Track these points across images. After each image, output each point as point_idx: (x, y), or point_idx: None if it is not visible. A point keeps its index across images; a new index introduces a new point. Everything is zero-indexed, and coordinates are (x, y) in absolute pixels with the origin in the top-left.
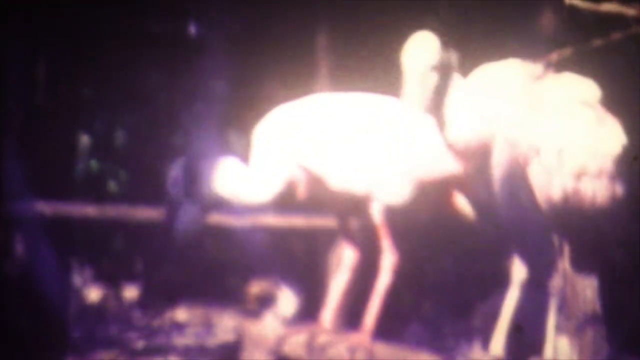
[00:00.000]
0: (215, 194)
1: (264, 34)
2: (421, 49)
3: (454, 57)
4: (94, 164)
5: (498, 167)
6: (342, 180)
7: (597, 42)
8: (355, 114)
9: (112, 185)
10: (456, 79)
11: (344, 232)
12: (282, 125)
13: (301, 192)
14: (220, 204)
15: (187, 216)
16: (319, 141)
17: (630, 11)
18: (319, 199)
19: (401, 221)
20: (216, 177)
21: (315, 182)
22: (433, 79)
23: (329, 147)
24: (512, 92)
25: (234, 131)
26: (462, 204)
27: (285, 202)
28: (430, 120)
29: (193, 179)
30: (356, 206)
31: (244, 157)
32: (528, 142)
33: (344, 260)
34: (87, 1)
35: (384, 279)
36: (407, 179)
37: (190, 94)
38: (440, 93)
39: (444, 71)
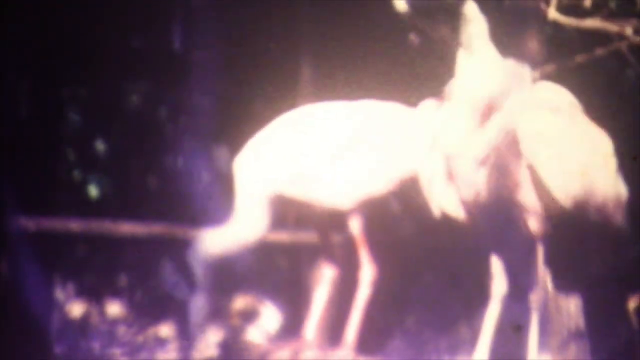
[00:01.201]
0: (216, 272)
1: (249, 48)
2: None
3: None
4: (76, 175)
5: (481, 176)
6: (326, 198)
7: (580, 58)
8: (333, 126)
9: (93, 192)
10: None
11: (325, 247)
12: (255, 157)
13: (291, 218)
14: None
15: (199, 307)
16: (298, 164)
17: (612, 27)
18: (304, 218)
19: (383, 235)
20: (206, 254)
21: (300, 207)
22: None
23: (309, 168)
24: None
25: (220, 146)
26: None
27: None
28: (414, 123)
29: (191, 274)
30: (337, 221)
31: (231, 172)
32: (528, 138)
33: (324, 275)
34: (72, 16)
35: (363, 293)
36: (387, 188)
37: (176, 108)
38: None
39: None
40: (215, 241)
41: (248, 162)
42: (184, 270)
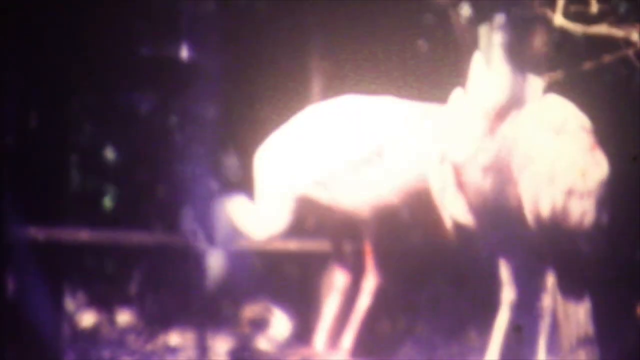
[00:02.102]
0: (234, 234)
1: (256, 56)
2: None
3: None
4: (86, 184)
5: (488, 182)
6: (348, 203)
7: (588, 65)
8: (361, 131)
9: (106, 203)
10: None
11: (338, 255)
12: (281, 154)
13: (311, 221)
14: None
15: (215, 262)
16: (325, 166)
17: (619, 33)
18: (323, 223)
19: (394, 241)
20: (228, 217)
21: (320, 209)
22: None
23: (335, 170)
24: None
25: (228, 154)
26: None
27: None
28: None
29: (211, 226)
30: (352, 227)
31: (238, 180)
32: (522, 153)
33: (336, 283)
34: (80, 25)
35: (363, 301)
36: (404, 196)
37: (183, 116)
38: None
39: None
40: (239, 216)
41: (273, 158)
42: (203, 221)
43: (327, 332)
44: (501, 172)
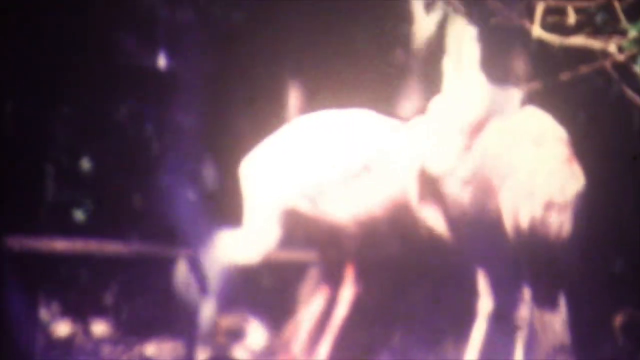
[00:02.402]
0: (229, 279)
1: (233, 66)
2: None
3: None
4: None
5: (468, 195)
6: (335, 216)
7: (565, 76)
8: (338, 143)
9: (79, 215)
10: None
11: (321, 265)
12: (268, 166)
13: (299, 234)
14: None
15: (208, 312)
16: (307, 180)
17: (596, 44)
18: (310, 235)
19: (373, 252)
20: (220, 259)
21: (309, 223)
22: None
23: (322, 183)
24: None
25: (206, 163)
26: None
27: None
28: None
29: (204, 277)
30: (335, 240)
31: (217, 190)
32: (501, 167)
33: (318, 292)
34: (57, 34)
35: (340, 311)
36: (386, 209)
37: (161, 127)
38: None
39: None
40: (229, 247)
41: (260, 171)
42: (197, 271)
43: (305, 340)
44: (481, 185)
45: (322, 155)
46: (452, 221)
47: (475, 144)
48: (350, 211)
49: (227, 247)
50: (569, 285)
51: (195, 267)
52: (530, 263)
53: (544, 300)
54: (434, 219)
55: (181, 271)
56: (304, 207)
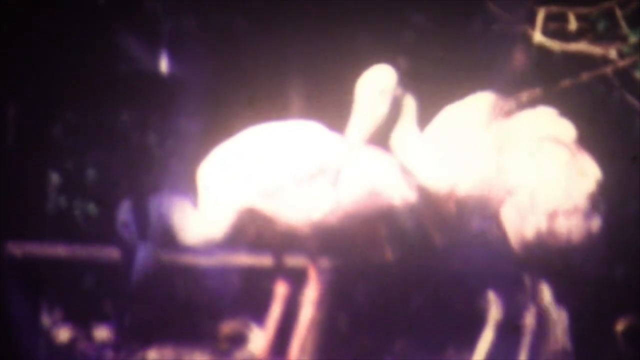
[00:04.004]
0: (167, 233)
1: (235, 72)
2: (374, 77)
3: (409, 99)
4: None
5: (470, 209)
6: (290, 216)
7: (566, 83)
8: (296, 146)
9: (80, 216)
10: (407, 121)
11: (279, 266)
12: (226, 166)
13: (251, 233)
14: (173, 242)
15: (143, 257)
16: (264, 179)
17: (597, 50)
18: (265, 238)
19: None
20: (166, 216)
21: (263, 222)
22: (381, 109)
23: (274, 184)
24: (481, 133)
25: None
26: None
27: (234, 242)
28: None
29: (144, 220)
30: (292, 241)
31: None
32: (501, 182)
33: (277, 293)
34: (59, 42)
35: (306, 312)
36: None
37: (163, 133)
38: (387, 125)
39: (394, 104)
40: (178, 217)
41: (218, 170)
42: (140, 214)
43: (269, 341)
44: (481, 196)
45: (281, 157)
46: (453, 232)
47: (474, 158)
48: (306, 213)
49: (177, 214)
50: (573, 289)
51: (140, 210)
52: (535, 270)
53: (546, 306)
54: (432, 236)
55: (124, 210)
56: (260, 206)
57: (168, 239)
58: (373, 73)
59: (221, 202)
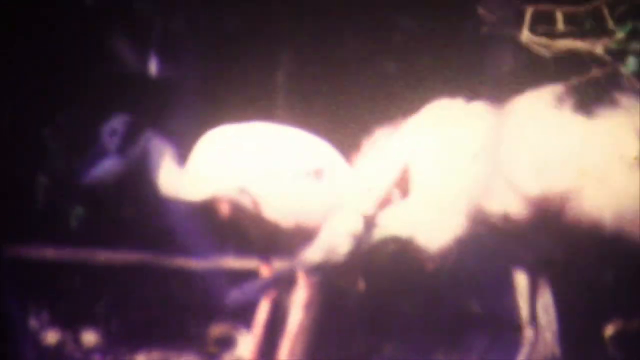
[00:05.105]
0: (142, 166)
1: (228, 73)
2: None
3: None
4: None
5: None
6: (271, 212)
7: (555, 83)
8: (289, 145)
9: (70, 220)
10: None
11: (264, 265)
12: (223, 143)
13: (224, 210)
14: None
15: (107, 166)
16: (257, 167)
17: (583, 46)
18: (251, 236)
19: (358, 264)
20: (151, 154)
21: (244, 208)
22: None
23: (265, 176)
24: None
25: None
26: None
27: (208, 219)
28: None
29: (131, 140)
30: (277, 240)
31: None
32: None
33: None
34: (49, 44)
35: (295, 315)
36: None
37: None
38: None
39: None
40: (161, 162)
41: (211, 144)
42: (132, 133)
43: (258, 344)
44: (475, 211)
45: (271, 154)
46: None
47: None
48: (291, 213)
49: (161, 162)
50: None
51: (134, 130)
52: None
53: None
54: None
55: (120, 121)
56: (242, 199)
57: (139, 169)
58: None
59: (203, 177)
